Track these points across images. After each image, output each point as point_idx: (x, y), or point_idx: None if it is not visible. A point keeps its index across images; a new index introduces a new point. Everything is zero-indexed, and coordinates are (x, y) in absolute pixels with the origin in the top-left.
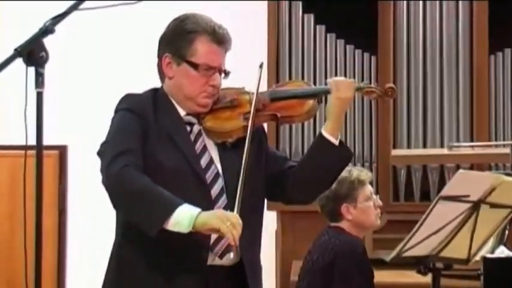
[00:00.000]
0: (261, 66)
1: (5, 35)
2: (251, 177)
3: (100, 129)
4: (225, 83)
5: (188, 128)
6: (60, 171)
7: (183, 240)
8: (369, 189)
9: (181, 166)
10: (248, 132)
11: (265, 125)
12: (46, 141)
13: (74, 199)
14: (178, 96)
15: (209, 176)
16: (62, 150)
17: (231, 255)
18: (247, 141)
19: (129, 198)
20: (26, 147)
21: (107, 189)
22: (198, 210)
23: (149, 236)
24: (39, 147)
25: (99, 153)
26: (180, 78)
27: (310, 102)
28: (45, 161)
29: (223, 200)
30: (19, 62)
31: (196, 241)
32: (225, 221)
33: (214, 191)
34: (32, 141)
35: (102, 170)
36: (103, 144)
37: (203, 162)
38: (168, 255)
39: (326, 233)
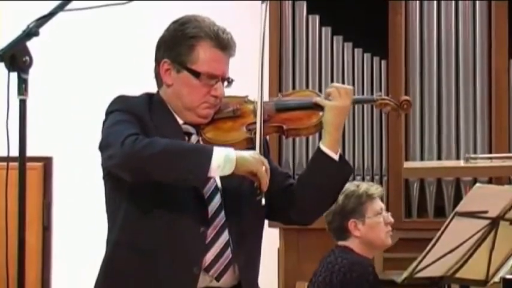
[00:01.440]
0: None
1: (5, 35)
2: (249, 195)
3: (87, 139)
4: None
5: (186, 138)
6: (44, 184)
7: (173, 259)
8: (379, 204)
9: None
10: (258, 120)
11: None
12: (29, 153)
13: (59, 215)
14: (177, 105)
15: (206, 191)
16: (46, 162)
17: (263, 201)
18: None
19: (160, 159)
20: (7, 159)
21: (127, 164)
22: (231, 149)
23: (196, 183)
24: (22, 158)
25: (102, 146)
26: (180, 86)
27: (319, 114)
28: (28, 174)
29: (220, 217)
30: (1, 66)
31: (189, 261)
32: (261, 165)
33: (212, 207)
34: (15, 152)
35: (113, 155)
36: (102, 140)
37: None
38: (158, 272)
39: (332, 253)
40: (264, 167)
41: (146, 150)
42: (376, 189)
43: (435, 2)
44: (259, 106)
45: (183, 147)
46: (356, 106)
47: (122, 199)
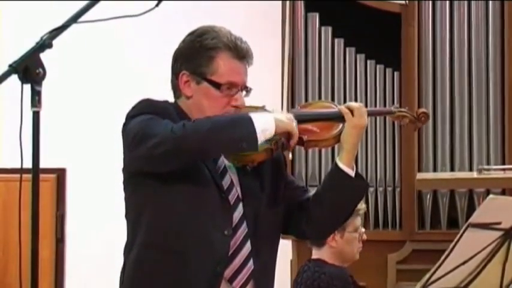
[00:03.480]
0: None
1: (5, 35)
2: (268, 207)
3: (101, 151)
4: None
5: None
6: (57, 196)
7: (201, 259)
8: (359, 220)
9: (207, 181)
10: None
11: None
12: (43, 164)
13: (72, 227)
14: (198, 116)
15: (231, 198)
16: (60, 174)
17: (290, 155)
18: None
19: (213, 135)
20: (21, 171)
21: (184, 147)
22: (266, 113)
23: (251, 149)
24: (36, 170)
25: (139, 138)
26: (200, 98)
27: (339, 125)
28: (41, 186)
29: (243, 228)
30: (14, 78)
31: (214, 260)
32: (293, 124)
33: (236, 215)
34: (28, 164)
35: (162, 142)
36: (138, 132)
37: (224, 183)
38: (185, 272)
39: (307, 268)
40: (295, 125)
41: (199, 130)
42: (361, 204)
43: (448, 13)
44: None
45: (226, 119)
46: (368, 117)
47: (146, 202)
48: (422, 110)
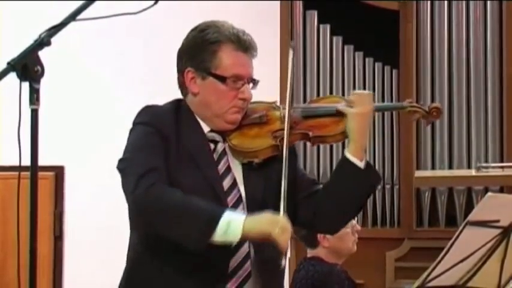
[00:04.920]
0: (292, 47)
1: (5, 35)
2: (273, 202)
3: (99, 148)
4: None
5: (212, 146)
6: (56, 194)
7: (197, 277)
8: None
9: (201, 188)
10: (284, 146)
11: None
12: (41, 162)
13: (71, 224)
14: (205, 113)
15: (231, 200)
16: (58, 172)
17: (283, 262)
18: (284, 156)
19: (167, 216)
20: (19, 169)
21: (137, 213)
22: (242, 216)
23: (196, 251)
24: (34, 168)
25: (121, 171)
26: (207, 93)
27: (346, 119)
28: (40, 183)
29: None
30: (12, 76)
31: (213, 279)
32: (275, 225)
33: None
34: (26, 161)
35: (127, 193)
36: (123, 161)
37: (226, 184)
38: None
39: (302, 267)
40: (278, 228)
41: (157, 204)
42: None
43: (446, 11)
44: (287, 117)
45: (192, 207)
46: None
47: None
48: (435, 104)
